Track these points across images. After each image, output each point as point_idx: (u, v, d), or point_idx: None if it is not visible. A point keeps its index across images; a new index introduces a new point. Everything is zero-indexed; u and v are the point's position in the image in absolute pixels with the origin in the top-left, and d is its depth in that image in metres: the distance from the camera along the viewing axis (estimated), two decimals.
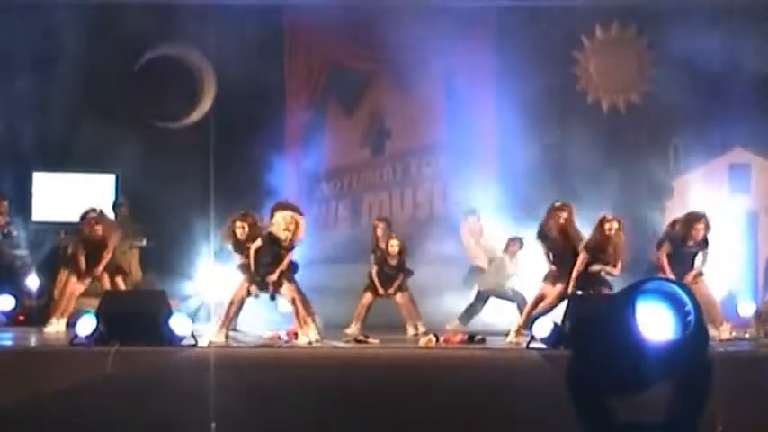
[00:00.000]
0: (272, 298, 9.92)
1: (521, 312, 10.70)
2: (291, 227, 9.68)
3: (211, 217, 11.46)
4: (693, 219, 10.14)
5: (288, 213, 9.76)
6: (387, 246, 10.97)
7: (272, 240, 9.70)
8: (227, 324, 9.71)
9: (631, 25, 13.35)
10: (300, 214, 9.94)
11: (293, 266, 9.99)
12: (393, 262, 10.96)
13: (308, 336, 9.67)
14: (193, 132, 13.05)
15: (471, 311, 11.24)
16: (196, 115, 13.25)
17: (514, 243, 11.27)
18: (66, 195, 12.60)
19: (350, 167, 13.64)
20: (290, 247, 9.74)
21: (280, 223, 9.70)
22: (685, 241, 10.11)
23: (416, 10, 13.00)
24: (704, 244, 10.16)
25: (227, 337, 9.59)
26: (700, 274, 10.19)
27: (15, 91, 12.46)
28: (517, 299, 11.08)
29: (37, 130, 12.74)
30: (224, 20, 12.74)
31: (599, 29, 13.41)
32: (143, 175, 12.41)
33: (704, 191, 11.38)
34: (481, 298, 11.29)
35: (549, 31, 12.84)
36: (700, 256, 10.11)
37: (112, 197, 12.64)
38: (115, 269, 10.89)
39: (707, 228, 10.11)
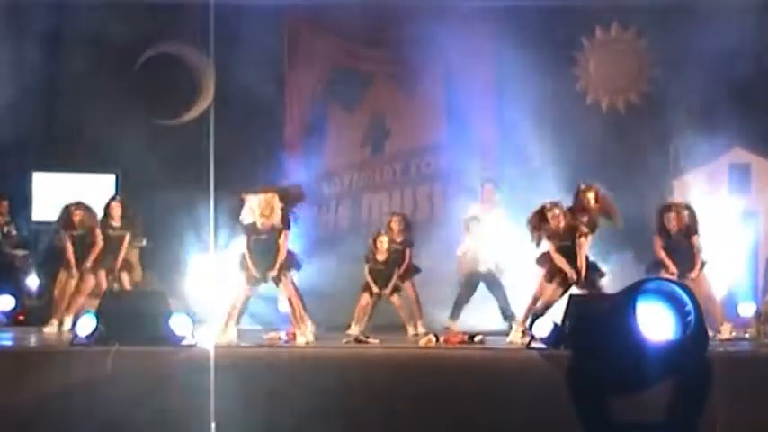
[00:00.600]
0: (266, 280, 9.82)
1: (501, 309, 10.97)
2: (266, 212, 9.52)
3: (211, 216, 11.46)
4: (663, 209, 10.28)
5: (257, 197, 9.53)
6: (375, 241, 10.94)
7: (254, 231, 9.60)
8: (229, 322, 9.70)
9: (631, 25, 13.35)
10: (274, 192, 9.72)
11: (296, 263, 9.95)
12: (381, 258, 10.92)
13: (306, 336, 9.67)
14: (193, 132, 13.03)
15: (460, 303, 11.22)
16: (196, 114, 13.25)
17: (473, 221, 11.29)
18: (67, 195, 12.60)
19: (350, 167, 13.64)
20: (277, 234, 9.64)
21: (254, 210, 9.54)
22: (667, 232, 10.19)
23: (417, 10, 12.99)
24: (689, 230, 10.21)
25: (228, 336, 9.59)
26: (702, 266, 10.18)
27: (15, 91, 12.46)
28: (498, 294, 11.10)
29: (37, 130, 12.75)
30: (224, 20, 12.73)
31: (599, 29, 13.41)
32: (143, 174, 12.40)
33: (704, 191, 11.37)
34: (468, 287, 11.27)
35: (549, 31, 12.83)
36: (696, 247, 10.15)
37: None
38: (121, 265, 10.94)
39: (679, 216, 10.18)
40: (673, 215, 10.20)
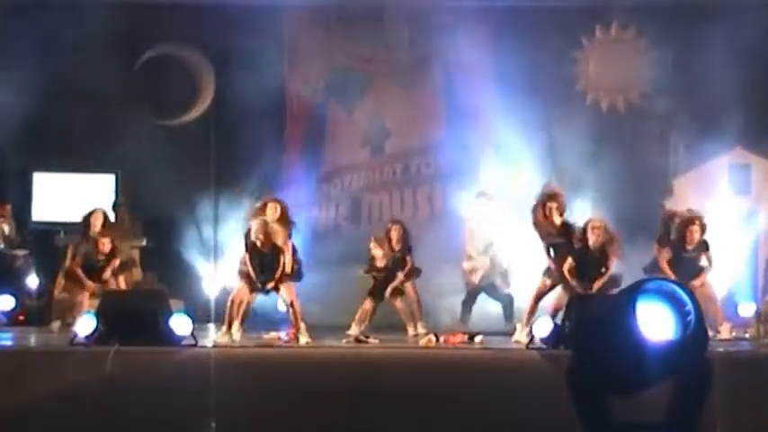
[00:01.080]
0: (267, 292, 9.95)
1: (505, 313, 10.94)
2: (262, 232, 9.75)
3: (213, 216, 11.47)
4: (688, 221, 10.15)
5: (260, 221, 9.82)
6: (370, 252, 10.92)
7: (255, 250, 9.77)
8: (232, 324, 9.71)
9: (631, 25, 13.35)
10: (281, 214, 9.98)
11: (298, 274, 10.05)
12: (380, 265, 10.91)
13: (306, 336, 9.70)
14: (193, 132, 13.06)
15: (468, 307, 11.23)
16: (196, 114, 13.26)
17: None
18: (66, 195, 12.61)
19: (350, 167, 13.64)
20: (276, 252, 9.76)
21: (254, 231, 9.79)
22: (683, 245, 10.12)
23: (416, 10, 13.00)
24: (703, 246, 10.15)
25: (232, 337, 9.60)
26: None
27: (15, 91, 12.46)
28: (503, 300, 11.11)
29: (37, 130, 12.75)
30: (224, 20, 12.74)
31: (599, 29, 13.41)
32: (143, 174, 12.41)
33: (704, 191, 11.36)
34: (472, 294, 11.30)
35: (549, 31, 12.83)
36: (704, 260, 10.10)
37: (112, 197, 12.64)
38: (119, 266, 10.87)
39: (702, 229, 10.11)
40: (696, 228, 10.11)
